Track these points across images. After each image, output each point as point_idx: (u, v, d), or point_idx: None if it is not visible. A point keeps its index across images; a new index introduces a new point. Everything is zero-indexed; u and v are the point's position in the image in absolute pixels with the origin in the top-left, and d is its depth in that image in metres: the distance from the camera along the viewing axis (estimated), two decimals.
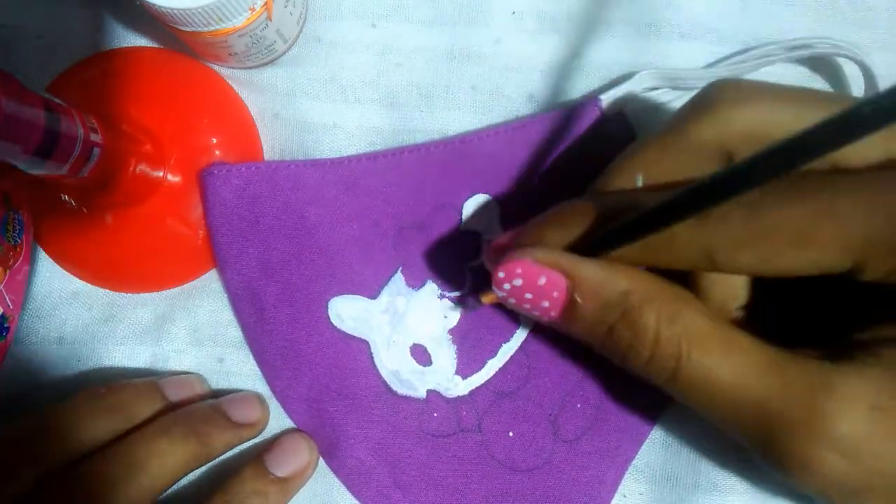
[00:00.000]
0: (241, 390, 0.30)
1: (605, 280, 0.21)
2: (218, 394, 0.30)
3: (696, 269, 0.22)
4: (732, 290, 0.24)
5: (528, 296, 0.22)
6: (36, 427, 0.26)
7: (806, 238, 0.20)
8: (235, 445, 0.28)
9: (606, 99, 0.29)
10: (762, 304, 0.25)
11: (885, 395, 0.19)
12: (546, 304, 0.22)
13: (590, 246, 0.22)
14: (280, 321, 0.29)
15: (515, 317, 0.30)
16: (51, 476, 0.25)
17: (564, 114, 0.29)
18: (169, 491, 0.27)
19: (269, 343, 0.29)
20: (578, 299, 0.22)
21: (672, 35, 0.31)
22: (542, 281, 0.22)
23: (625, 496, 0.29)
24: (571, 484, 0.29)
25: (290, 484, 0.28)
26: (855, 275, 0.20)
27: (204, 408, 0.28)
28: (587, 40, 0.31)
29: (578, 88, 0.31)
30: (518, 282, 0.22)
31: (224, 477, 0.27)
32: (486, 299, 0.25)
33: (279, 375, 0.29)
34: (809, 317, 0.24)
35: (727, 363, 0.20)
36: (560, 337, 0.29)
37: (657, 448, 0.30)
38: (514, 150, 0.30)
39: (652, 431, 0.30)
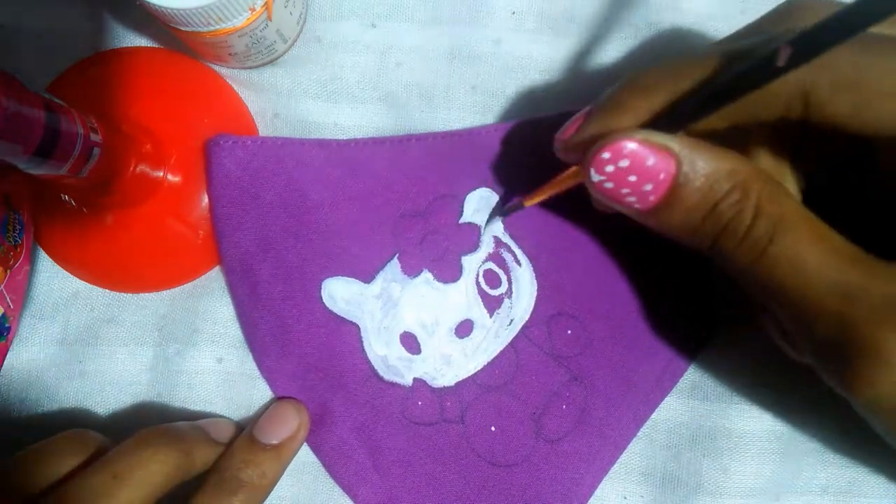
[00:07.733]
0: (239, 390, 0.30)
1: (713, 159, 0.21)
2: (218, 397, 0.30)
3: (782, 115, 0.21)
4: None
5: (632, 178, 0.21)
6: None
7: None
8: (212, 462, 0.27)
9: None
10: None
11: None
12: (649, 187, 0.21)
13: (680, 113, 0.21)
14: (272, 298, 0.29)
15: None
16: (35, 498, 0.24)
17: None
18: None
19: (260, 319, 0.29)
20: (686, 180, 0.21)
21: (672, 35, 0.31)
22: (651, 161, 0.21)
23: (625, 498, 0.29)
24: (549, 483, 0.29)
25: (282, 450, 0.28)
26: None
27: (184, 425, 0.28)
28: (587, 40, 0.31)
29: (578, 89, 0.31)
30: (624, 163, 0.21)
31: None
32: (529, 202, 0.24)
33: (267, 352, 0.29)
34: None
35: (816, 249, 0.20)
36: (551, 336, 0.29)
37: (658, 451, 0.30)
38: (523, 148, 0.29)
39: (653, 433, 0.30)
